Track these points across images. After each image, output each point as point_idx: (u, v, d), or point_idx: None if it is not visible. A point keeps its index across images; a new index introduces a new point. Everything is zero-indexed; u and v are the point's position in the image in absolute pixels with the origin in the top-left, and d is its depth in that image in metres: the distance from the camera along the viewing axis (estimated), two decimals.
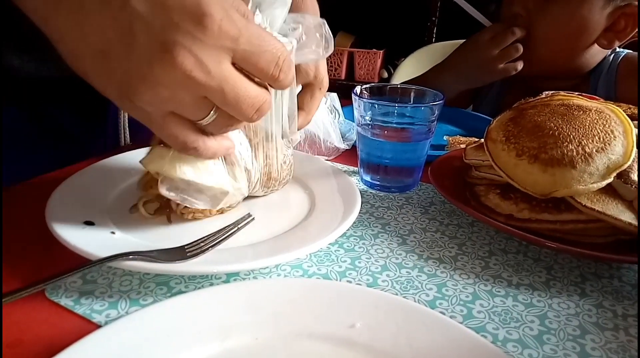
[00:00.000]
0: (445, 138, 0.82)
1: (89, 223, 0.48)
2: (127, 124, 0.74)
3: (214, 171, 0.46)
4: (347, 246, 0.51)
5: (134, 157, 0.61)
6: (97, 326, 0.37)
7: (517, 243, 0.54)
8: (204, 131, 0.37)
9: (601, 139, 0.51)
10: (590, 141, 0.51)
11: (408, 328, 0.36)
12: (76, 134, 0.71)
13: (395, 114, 0.63)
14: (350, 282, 0.45)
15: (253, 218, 0.48)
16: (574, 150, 0.51)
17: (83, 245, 0.43)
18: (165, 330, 0.36)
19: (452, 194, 0.57)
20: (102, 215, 0.50)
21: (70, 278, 0.42)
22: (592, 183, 0.49)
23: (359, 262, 0.48)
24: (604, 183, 0.49)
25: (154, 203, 0.51)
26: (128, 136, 0.76)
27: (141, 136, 0.76)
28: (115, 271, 0.44)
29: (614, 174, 0.49)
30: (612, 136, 0.52)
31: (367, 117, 0.63)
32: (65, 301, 0.40)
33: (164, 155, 0.44)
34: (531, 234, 0.48)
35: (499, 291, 0.45)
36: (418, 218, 0.58)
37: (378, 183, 0.65)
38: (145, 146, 0.65)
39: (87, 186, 0.55)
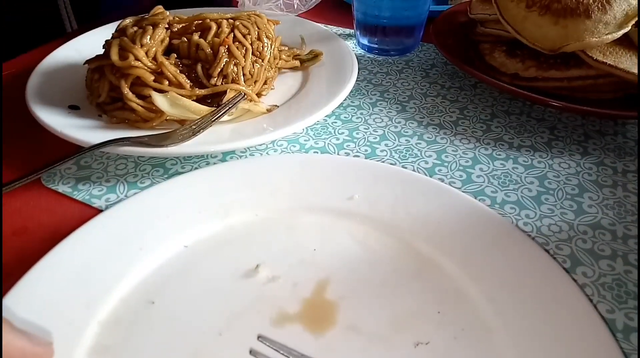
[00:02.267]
0: None
1: (74, 108, 0.46)
2: (69, 7, 0.67)
3: None
4: (345, 117, 0.49)
5: (101, 34, 0.56)
6: (98, 211, 0.38)
7: (521, 103, 0.52)
8: None
9: None
10: None
11: (406, 197, 0.36)
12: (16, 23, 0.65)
13: None
14: (348, 154, 0.44)
15: (244, 96, 0.45)
16: None
17: (72, 131, 0.41)
18: (166, 211, 0.36)
19: (455, 54, 0.53)
20: (85, 98, 0.48)
21: (64, 165, 0.42)
22: (606, 34, 0.45)
23: (357, 133, 0.47)
24: (620, 32, 0.45)
25: None
26: (74, 20, 0.69)
27: (92, 18, 0.69)
28: (109, 156, 0.43)
29: (633, 22, 0.45)
30: None
31: None
32: (63, 188, 0.40)
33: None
34: (537, 94, 0.46)
35: (499, 155, 0.44)
36: (418, 82, 0.55)
37: (376, 46, 0.61)
38: (101, 25, 0.60)
39: (62, 69, 0.52)
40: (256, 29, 0.49)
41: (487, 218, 0.35)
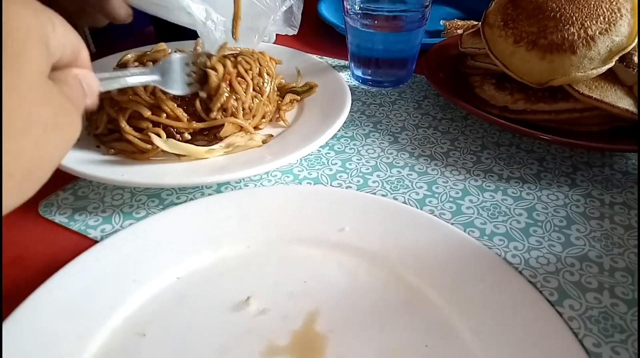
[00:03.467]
0: (441, 22, 0.77)
1: None
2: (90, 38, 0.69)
3: None
4: (338, 148, 0.50)
5: (106, 65, 0.58)
6: (94, 241, 0.38)
7: (511, 135, 0.53)
8: None
9: (606, 19, 0.48)
10: (594, 21, 0.48)
11: (396, 229, 0.37)
12: None
13: (386, 0, 0.58)
14: (340, 185, 0.45)
15: None
16: (576, 33, 0.47)
17: (69, 162, 0.42)
18: (160, 242, 0.37)
19: (446, 86, 0.54)
20: (84, 129, 0.49)
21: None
22: (592, 69, 0.46)
23: (350, 164, 0.48)
24: (605, 68, 0.46)
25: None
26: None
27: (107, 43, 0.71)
28: (105, 186, 0.44)
29: (616, 57, 0.47)
30: (619, 14, 0.48)
31: (356, 6, 0.58)
32: (60, 219, 0.41)
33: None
34: (525, 126, 0.47)
35: (489, 186, 0.45)
36: (411, 113, 0.57)
37: (370, 77, 0.62)
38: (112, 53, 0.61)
39: None
40: (258, 65, 0.51)
41: (476, 252, 0.35)
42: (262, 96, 0.49)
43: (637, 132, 0.46)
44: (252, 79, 0.49)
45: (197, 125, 0.46)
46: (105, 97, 0.45)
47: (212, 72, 0.46)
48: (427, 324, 0.31)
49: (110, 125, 0.45)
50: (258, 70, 0.50)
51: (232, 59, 0.49)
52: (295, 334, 0.31)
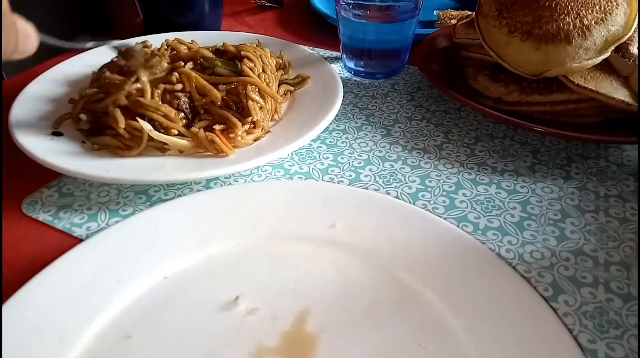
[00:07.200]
0: (435, 12, 0.76)
1: (57, 134, 0.46)
2: None
3: None
4: (330, 141, 0.49)
5: (87, 60, 0.57)
6: (79, 240, 0.37)
7: (505, 127, 0.52)
8: None
9: (602, 8, 0.47)
10: (590, 11, 0.47)
11: (388, 225, 0.36)
12: None
13: None
14: (332, 179, 0.44)
15: None
16: (571, 23, 0.46)
17: (54, 158, 0.41)
18: (147, 241, 0.36)
19: (439, 77, 0.53)
20: (69, 124, 0.48)
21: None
22: (587, 59, 0.46)
23: (342, 158, 0.47)
24: (600, 58, 0.46)
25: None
26: None
27: None
28: (91, 183, 0.43)
29: (612, 47, 0.46)
30: (615, 3, 0.47)
31: None
32: (44, 217, 0.40)
33: None
34: (520, 118, 0.46)
35: (482, 179, 0.44)
36: (404, 105, 0.56)
37: (362, 69, 0.61)
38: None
39: (47, 95, 0.52)
40: (261, 63, 0.50)
41: (469, 248, 0.34)
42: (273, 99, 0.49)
43: (637, 125, 0.46)
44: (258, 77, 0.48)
45: (186, 132, 0.44)
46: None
47: (248, 71, 0.47)
48: (420, 323, 0.31)
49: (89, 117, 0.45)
50: (262, 68, 0.50)
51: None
52: (285, 334, 0.30)
